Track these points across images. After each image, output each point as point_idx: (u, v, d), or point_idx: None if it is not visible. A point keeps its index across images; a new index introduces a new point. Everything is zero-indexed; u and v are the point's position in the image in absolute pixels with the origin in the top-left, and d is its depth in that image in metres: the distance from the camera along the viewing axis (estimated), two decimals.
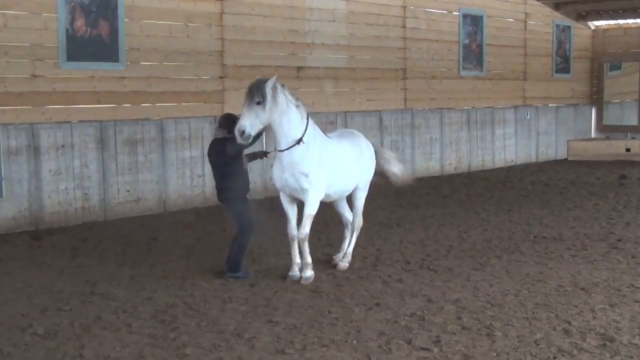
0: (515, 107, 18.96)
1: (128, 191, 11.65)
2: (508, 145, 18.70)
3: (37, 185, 10.69)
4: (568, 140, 20.16)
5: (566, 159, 19.90)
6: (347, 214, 8.87)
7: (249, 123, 7.51)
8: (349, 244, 8.71)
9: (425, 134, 16.53)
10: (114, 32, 11.32)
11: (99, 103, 11.38)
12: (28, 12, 10.62)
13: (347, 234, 8.81)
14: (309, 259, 8.01)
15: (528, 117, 19.27)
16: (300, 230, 7.96)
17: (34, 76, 10.73)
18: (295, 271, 8.02)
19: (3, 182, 10.40)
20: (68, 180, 10.98)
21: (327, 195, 8.16)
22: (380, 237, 10.05)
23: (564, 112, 20.50)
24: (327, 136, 8.33)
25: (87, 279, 8.00)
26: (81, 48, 11.02)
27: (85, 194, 11.17)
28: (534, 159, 19.57)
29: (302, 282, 7.85)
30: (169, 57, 12.15)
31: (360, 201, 8.68)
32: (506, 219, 11.42)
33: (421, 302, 7.05)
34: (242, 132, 7.48)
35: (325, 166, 7.98)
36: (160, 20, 12.00)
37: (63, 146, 10.92)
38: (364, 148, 8.71)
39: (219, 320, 6.57)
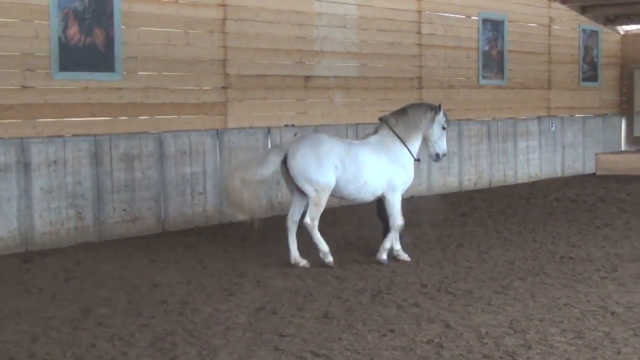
0: (539, 118, 18.96)
1: (124, 210, 11.67)
2: (532, 159, 18.68)
3: (28, 204, 10.72)
4: (596, 154, 20.12)
5: (594, 174, 19.86)
6: None
7: None
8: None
9: None
10: (109, 40, 11.39)
11: (93, 116, 11.43)
12: (19, 19, 10.69)
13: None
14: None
15: (553, 128, 19.26)
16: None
17: (25, 87, 10.79)
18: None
19: None
20: (60, 199, 11.01)
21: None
22: (395, 258, 10.03)
23: (591, 123, 20.48)
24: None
25: (80, 304, 8.00)
26: (75, 57, 11.08)
27: (79, 212, 11.19)
28: (559, 174, 19.54)
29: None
30: (168, 67, 12.21)
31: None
32: (530, 238, 11.38)
33: (439, 328, 7.03)
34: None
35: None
36: (159, 27, 12.07)
37: (55, 162, 10.96)
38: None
39: (222, 348, 6.56)
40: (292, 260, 9.56)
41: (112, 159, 11.55)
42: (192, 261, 9.96)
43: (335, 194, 9.65)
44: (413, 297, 8.15)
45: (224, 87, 12.92)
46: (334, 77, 14.52)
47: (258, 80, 13.35)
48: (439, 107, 10.07)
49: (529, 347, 6.45)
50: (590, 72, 20.47)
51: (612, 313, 7.44)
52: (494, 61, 17.67)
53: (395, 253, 9.91)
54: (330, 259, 9.58)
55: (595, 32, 20.51)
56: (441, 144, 10.10)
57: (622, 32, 21.48)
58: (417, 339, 6.73)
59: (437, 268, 9.53)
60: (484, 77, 17.47)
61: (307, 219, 9.44)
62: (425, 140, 10.05)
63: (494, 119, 17.71)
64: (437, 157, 10.22)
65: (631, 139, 21.42)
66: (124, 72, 11.64)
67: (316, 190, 9.37)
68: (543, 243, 10.99)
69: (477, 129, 17.27)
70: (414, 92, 15.96)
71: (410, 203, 10.17)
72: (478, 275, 9.11)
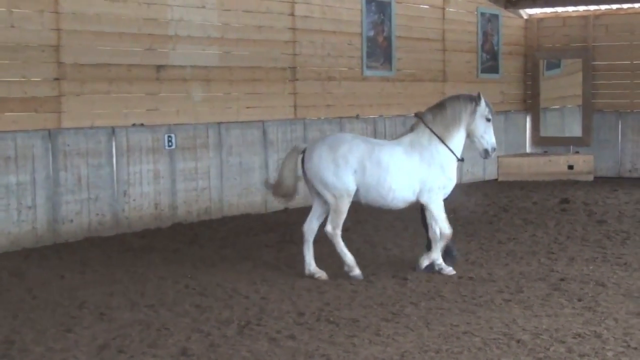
0: None
1: None
2: None
3: None
4: (498, 157, 20.64)
5: (496, 180, 20.37)
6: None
7: None
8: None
9: None
10: None
11: None
12: None
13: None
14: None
15: None
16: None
17: None
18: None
19: None
20: None
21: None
22: (266, 281, 10.04)
23: (492, 122, 20.96)
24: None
25: None
26: None
27: None
28: (457, 180, 19.91)
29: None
30: None
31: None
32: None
33: None
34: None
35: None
36: None
37: None
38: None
39: None
40: (307, 272, 10.11)
41: None
42: (19, 291, 9.74)
43: (359, 199, 10.24)
44: (288, 328, 8.16)
45: (57, 79, 12.66)
46: (192, 67, 14.43)
47: (99, 71, 13.14)
48: (479, 96, 10.48)
49: None
50: (490, 62, 20.98)
51: (518, 341, 7.63)
52: (380, 49, 17.91)
53: (437, 267, 10.39)
54: (357, 271, 10.13)
55: (496, 17, 21.04)
56: (488, 138, 10.59)
57: (525, 17, 22.07)
58: None
59: (316, 293, 9.58)
60: (368, 67, 17.68)
61: (329, 227, 10.05)
62: (469, 137, 10.58)
63: (381, 116, 17.95)
64: (487, 154, 10.75)
65: (537, 140, 21.95)
66: None
67: (334, 196, 9.97)
68: None
69: (362, 128, 17.45)
70: (287, 84, 16.04)
71: (283, 215, 10.15)
72: (364, 301, 9.20)
